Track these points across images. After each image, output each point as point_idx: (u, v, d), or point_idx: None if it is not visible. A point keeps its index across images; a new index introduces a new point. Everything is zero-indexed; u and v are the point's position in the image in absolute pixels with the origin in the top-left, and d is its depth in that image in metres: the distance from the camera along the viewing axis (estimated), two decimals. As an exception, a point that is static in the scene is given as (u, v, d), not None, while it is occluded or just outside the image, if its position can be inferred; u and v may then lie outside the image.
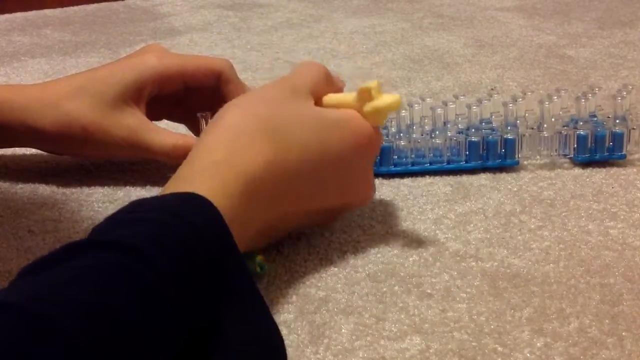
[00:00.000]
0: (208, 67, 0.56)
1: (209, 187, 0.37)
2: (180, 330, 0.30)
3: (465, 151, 0.57)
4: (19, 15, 1.10)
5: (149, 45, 0.58)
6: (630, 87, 0.62)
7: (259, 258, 0.44)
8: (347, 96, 0.48)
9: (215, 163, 0.39)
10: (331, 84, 0.49)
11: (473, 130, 0.58)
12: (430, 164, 0.58)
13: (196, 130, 0.57)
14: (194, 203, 0.36)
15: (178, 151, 0.53)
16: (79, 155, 0.59)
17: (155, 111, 0.57)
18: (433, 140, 0.58)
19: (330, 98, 0.48)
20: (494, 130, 0.58)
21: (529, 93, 0.62)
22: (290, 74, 0.48)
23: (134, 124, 0.54)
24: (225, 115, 0.43)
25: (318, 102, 0.47)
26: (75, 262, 0.30)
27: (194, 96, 0.57)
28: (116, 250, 0.31)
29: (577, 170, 0.58)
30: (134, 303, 0.29)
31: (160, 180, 0.57)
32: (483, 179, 0.57)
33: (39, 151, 0.60)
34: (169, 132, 0.55)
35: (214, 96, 0.55)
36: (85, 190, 0.56)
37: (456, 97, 0.62)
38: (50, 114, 0.54)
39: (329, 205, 0.47)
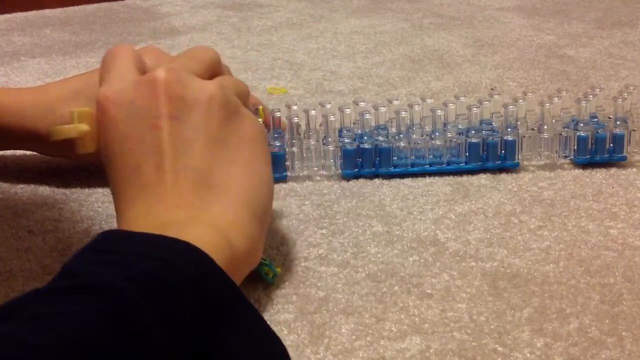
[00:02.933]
0: None
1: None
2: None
3: (465, 152, 0.57)
4: (19, 15, 1.10)
5: (145, 47, 0.57)
6: (632, 88, 0.61)
7: (278, 270, 0.44)
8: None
9: None
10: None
11: (473, 131, 0.58)
12: (430, 165, 0.58)
13: None
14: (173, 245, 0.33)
15: None
16: (77, 158, 0.59)
17: None
18: (433, 142, 0.58)
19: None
20: (494, 132, 0.58)
21: (530, 94, 0.62)
22: None
23: None
24: None
25: None
26: (57, 309, 0.27)
27: None
28: (99, 296, 0.28)
29: (577, 171, 0.58)
30: (128, 352, 0.27)
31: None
32: (483, 179, 0.57)
33: (38, 152, 0.60)
34: None
35: None
36: (85, 190, 0.56)
37: (457, 97, 0.62)
38: (47, 117, 0.54)
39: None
